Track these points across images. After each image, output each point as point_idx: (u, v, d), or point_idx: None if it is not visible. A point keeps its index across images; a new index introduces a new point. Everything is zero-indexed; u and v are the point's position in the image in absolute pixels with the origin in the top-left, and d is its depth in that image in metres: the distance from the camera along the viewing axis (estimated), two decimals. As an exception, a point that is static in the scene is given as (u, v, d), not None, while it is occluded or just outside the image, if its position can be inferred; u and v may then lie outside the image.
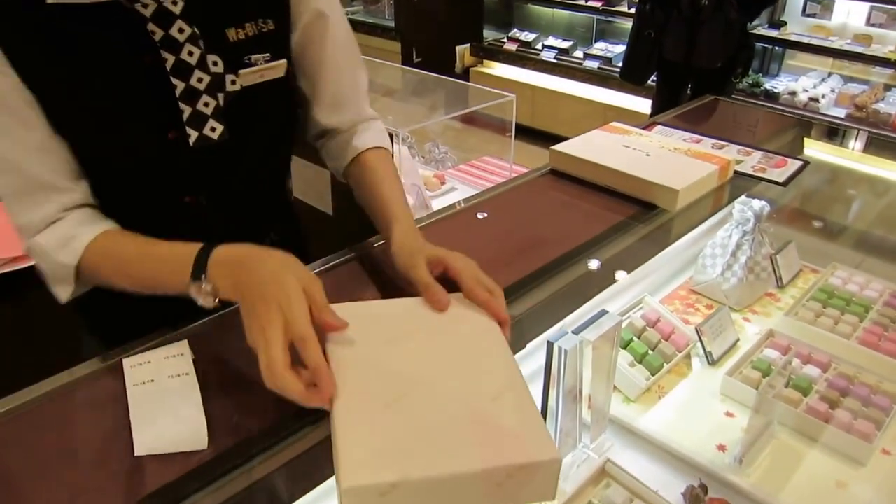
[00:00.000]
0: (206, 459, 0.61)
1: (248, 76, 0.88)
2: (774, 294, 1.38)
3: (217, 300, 0.72)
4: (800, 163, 1.44)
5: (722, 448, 1.01)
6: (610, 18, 4.49)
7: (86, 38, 0.76)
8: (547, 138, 4.10)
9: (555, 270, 1.05)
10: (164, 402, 0.64)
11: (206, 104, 0.85)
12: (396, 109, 2.49)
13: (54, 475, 0.61)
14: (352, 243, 1.01)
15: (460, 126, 2.72)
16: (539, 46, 4.77)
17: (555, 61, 4.61)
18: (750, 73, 4.05)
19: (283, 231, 1.13)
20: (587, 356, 0.93)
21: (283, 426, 0.66)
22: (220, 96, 0.86)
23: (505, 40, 4.93)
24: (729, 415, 1.07)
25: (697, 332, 1.17)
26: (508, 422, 0.59)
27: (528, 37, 4.83)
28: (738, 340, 1.23)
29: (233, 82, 0.87)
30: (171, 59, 0.81)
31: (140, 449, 0.60)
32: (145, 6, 0.77)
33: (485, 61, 5.04)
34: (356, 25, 5.87)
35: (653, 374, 1.12)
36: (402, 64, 5.01)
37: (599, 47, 4.59)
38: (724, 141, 1.49)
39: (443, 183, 2.01)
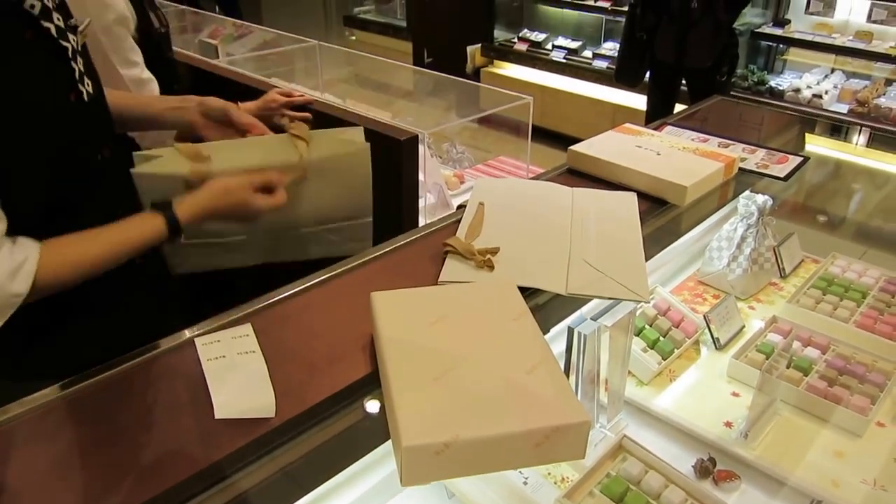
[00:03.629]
0: (275, 425, 0.70)
1: (81, 37, 0.98)
2: (777, 283, 1.47)
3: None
4: (800, 159, 1.52)
5: (729, 425, 1.09)
6: (618, 18, 4.55)
7: None
8: (556, 138, 4.18)
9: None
10: (236, 374, 0.73)
11: (78, 63, 0.94)
12: (416, 111, 2.57)
13: (156, 431, 0.70)
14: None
15: (476, 126, 2.80)
16: (549, 46, 4.83)
17: (564, 61, 4.68)
18: (755, 70, 4.12)
19: None
20: (604, 341, 1.02)
21: (340, 398, 0.75)
22: (80, 55, 0.95)
23: (515, 40, 5.00)
24: (735, 395, 1.16)
25: (705, 319, 1.26)
26: (543, 391, 0.67)
27: (538, 37, 4.89)
28: (743, 327, 1.31)
29: (81, 42, 0.96)
30: (52, 27, 0.88)
31: (219, 414, 0.69)
32: None
33: (495, 61, 5.11)
34: (368, 25, 5.93)
35: (664, 359, 1.21)
36: (414, 63, 5.08)
37: (608, 47, 4.65)
38: (730, 140, 1.57)
39: (462, 182, 2.10)
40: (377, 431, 0.73)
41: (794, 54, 4.31)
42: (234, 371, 0.74)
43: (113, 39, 1.32)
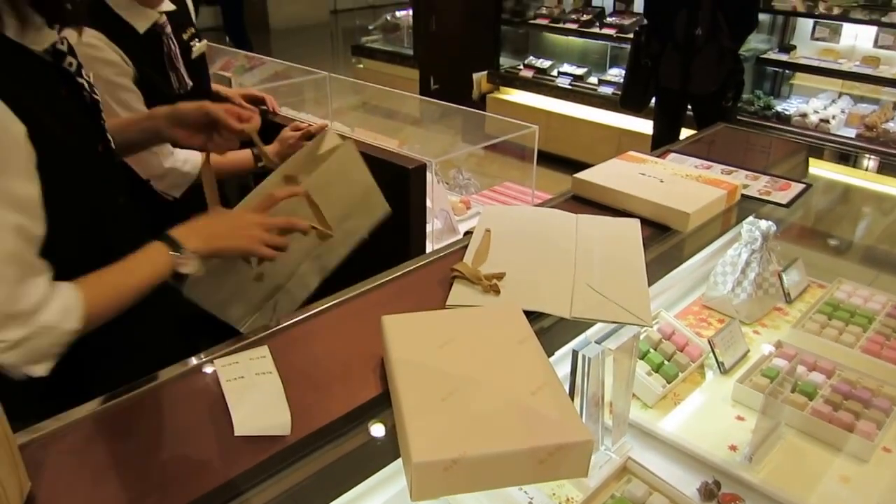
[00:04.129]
0: (290, 443, 0.73)
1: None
2: (783, 308, 1.48)
3: (199, 264, 0.90)
4: (803, 185, 1.55)
5: (734, 448, 1.10)
6: (623, 45, 4.62)
7: (36, 86, 0.86)
8: (562, 163, 4.22)
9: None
10: (254, 394, 0.76)
11: (101, 115, 0.99)
12: (423, 139, 2.63)
13: (179, 447, 0.73)
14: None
15: (482, 153, 2.85)
16: (554, 73, 4.91)
17: (570, 87, 4.75)
18: (761, 95, 4.17)
19: None
20: (608, 364, 1.04)
21: (352, 417, 0.78)
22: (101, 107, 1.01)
23: (521, 67, 5.08)
24: (740, 419, 1.17)
25: (710, 343, 1.27)
26: (547, 410, 0.70)
27: (544, 64, 4.97)
28: (748, 351, 1.32)
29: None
30: (84, 83, 0.94)
31: (238, 431, 0.72)
32: (62, 43, 0.90)
33: (501, 88, 5.19)
34: (375, 53, 6.06)
35: (668, 382, 1.22)
36: (420, 91, 5.17)
37: (613, 73, 4.72)
38: (733, 167, 1.60)
39: (468, 208, 2.14)
40: (388, 449, 0.76)
41: (800, 79, 4.36)
42: (252, 391, 0.77)
43: (116, 90, 1.36)
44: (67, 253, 0.89)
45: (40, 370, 0.82)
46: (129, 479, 0.69)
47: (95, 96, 0.97)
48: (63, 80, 0.91)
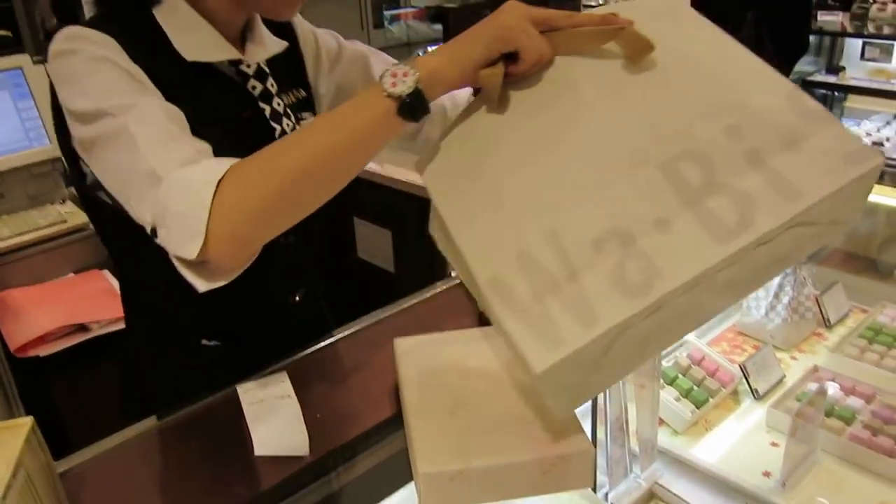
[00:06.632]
0: (308, 462, 0.77)
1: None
2: (822, 333, 1.44)
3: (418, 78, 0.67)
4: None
5: (767, 474, 1.08)
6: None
7: (207, 92, 0.88)
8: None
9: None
10: (273, 416, 0.80)
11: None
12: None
13: (204, 468, 0.78)
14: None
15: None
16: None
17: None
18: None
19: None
20: (629, 387, 1.04)
21: (366, 438, 0.81)
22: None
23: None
24: (774, 444, 1.14)
25: (742, 368, 1.25)
26: (551, 423, 0.72)
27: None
28: (784, 377, 1.29)
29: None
30: (267, 109, 0.96)
31: (258, 451, 0.76)
32: (248, 66, 0.94)
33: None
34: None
35: (698, 408, 1.20)
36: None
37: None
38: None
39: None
40: (404, 469, 0.78)
41: (852, 101, 4.25)
42: (272, 413, 0.81)
43: None
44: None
45: (190, 249, 0.65)
46: (158, 501, 0.74)
47: (277, 125, 0.95)
48: (247, 103, 0.93)
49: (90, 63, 0.77)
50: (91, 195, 0.89)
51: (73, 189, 2.18)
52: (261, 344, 1.03)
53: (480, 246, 0.63)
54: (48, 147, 2.03)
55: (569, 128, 0.66)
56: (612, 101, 0.66)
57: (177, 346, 1.02)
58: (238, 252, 0.69)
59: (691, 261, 0.55)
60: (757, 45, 3.09)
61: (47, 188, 2.12)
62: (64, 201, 2.14)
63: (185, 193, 0.67)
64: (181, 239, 0.66)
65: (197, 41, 0.87)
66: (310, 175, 0.68)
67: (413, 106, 0.68)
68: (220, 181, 0.66)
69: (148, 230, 0.71)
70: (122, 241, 0.96)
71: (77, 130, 0.78)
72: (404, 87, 0.67)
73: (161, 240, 0.69)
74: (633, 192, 0.60)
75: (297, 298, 1.09)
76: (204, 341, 1.01)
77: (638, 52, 0.66)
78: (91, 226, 1.96)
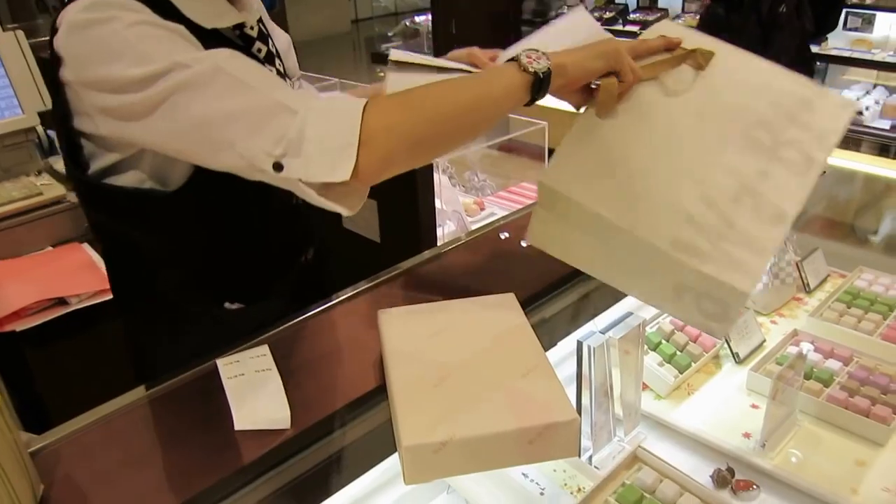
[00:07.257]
0: (290, 436, 0.76)
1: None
2: (802, 298, 1.46)
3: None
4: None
5: (747, 436, 1.09)
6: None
7: None
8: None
9: (587, 277, 1.16)
10: (254, 390, 0.79)
11: None
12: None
13: (184, 443, 0.77)
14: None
15: (497, 154, 2.86)
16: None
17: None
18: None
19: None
20: (614, 353, 1.04)
21: (350, 410, 0.81)
22: None
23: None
24: (755, 406, 1.16)
25: (723, 333, 1.26)
26: (536, 392, 0.71)
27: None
28: (764, 341, 1.31)
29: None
30: (273, 71, 0.96)
31: (238, 425, 0.75)
32: (252, 28, 0.93)
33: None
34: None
35: (681, 373, 1.22)
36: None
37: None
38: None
39: (482, 209, 2.16)
40: (388, 441, 0.78)
41: (833, 71, 4.26)
42: (252, 387, 0.80)
43: None
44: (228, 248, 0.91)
45: (341, 172, 0.71)
46: (137, 475, 0.73)
47: (272, 67, 0.96)
48: None
49: (136, 27, 0.74)
50: (95, 183, 0.86)
51: (49, 160, 2.12)
52: (281, 305, 1.04)
53: (648, 224, 0.80)
54: (21, 117, 1.94)
55: (668, 127, 0.87)
56: (688, 104, 0.89)
57: (200, 311, 1.02)
58: (384, 173, 0.75)
59: (793, 192, 0.82)
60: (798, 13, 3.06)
61: (21, 159, 2.04)
62: (40, 173, 2.06)
63: (329, 120, 0.71)
64: (328, 163, 0.71)
65: (205, 8, 0.85)
66: (447, 121, 0.77)
67: (542, 83, 0.79)
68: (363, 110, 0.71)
69: (266, 166, 0.72)
70: (137, 221, 0.92)
71: (124, 99, 0.74)
72: (539, 66, 0.79)
73: (291, 171, 0.72)
74: (738, 159, 0.84)
75: (308, 257, 1.12)
76: (227, 304, 1.01)
77: (706, 60, 0.91)
78: (69, 198, 1.93)
